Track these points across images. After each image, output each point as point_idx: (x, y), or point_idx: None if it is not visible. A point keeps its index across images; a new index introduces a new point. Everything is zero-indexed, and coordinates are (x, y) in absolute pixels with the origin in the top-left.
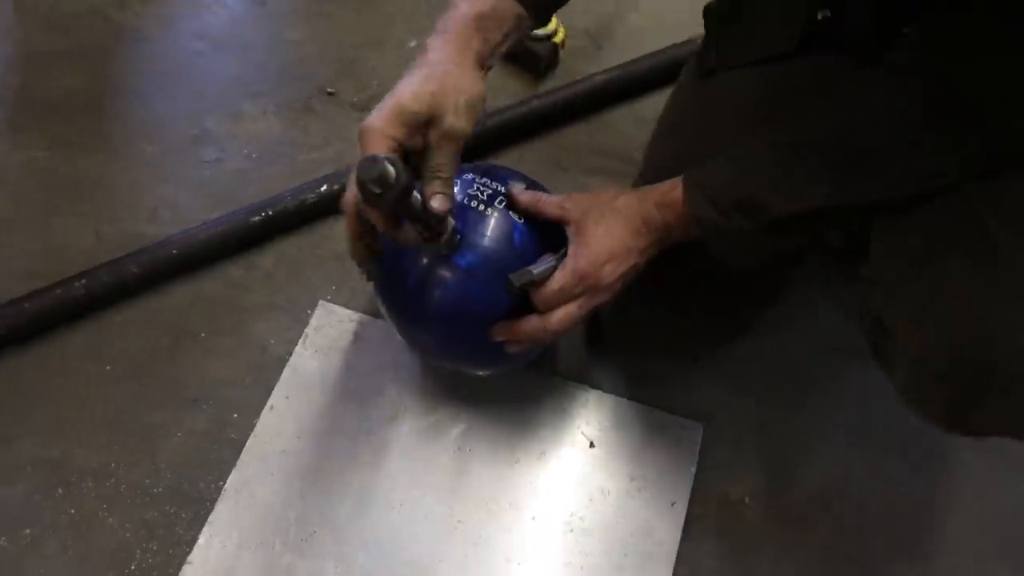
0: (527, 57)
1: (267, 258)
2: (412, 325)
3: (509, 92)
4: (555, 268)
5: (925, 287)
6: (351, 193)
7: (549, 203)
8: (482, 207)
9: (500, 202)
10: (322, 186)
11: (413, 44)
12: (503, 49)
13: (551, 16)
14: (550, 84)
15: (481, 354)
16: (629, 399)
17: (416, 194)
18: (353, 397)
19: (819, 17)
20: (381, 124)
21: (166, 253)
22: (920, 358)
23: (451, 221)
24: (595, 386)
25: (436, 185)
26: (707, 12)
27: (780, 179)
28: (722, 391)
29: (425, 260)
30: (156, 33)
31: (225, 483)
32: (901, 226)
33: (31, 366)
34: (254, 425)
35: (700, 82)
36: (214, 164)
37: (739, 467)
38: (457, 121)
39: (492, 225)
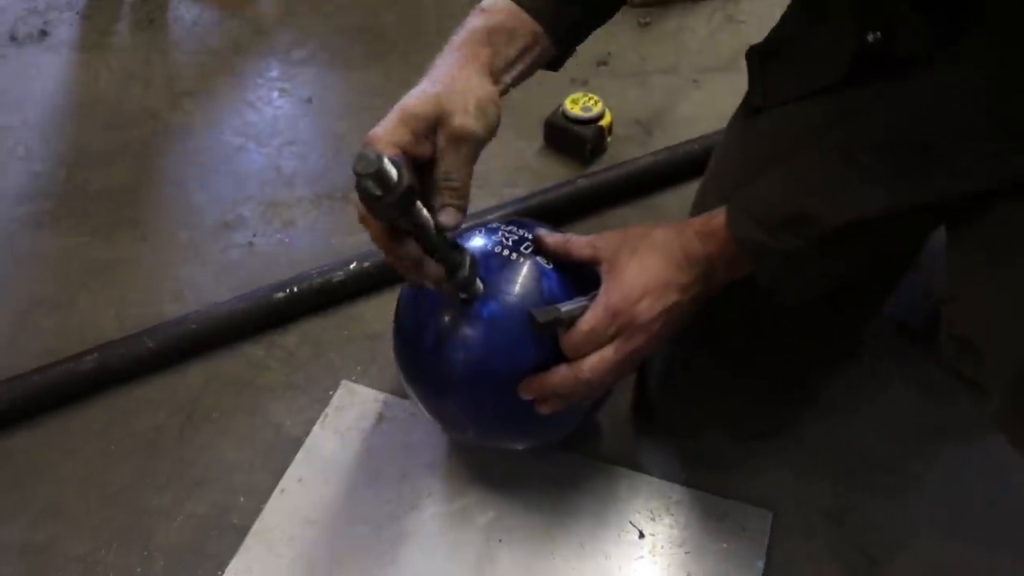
0: (572, 141)
1: (290, 338)
2: (431, 386)
3: (555, 178)
4: (586, 309)
5: (1014, 291)
6: None
7: (579, 244)
8: (507, 252)
9: (527, 247)
10: (351, 264)
11: None
12: (521, 68)
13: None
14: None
15: (508, 420)
16: (684, 484)
17: (425, 212)
18: (372, 481)
19: (869, 39)
20: (384, 132)
21: (184, 329)
22: (1018, 370)
23: (469, 257)
24: (644, 470)
25: (445, 196)
26: (750, 53)
27: (831, 186)
28: (790, 475)
29: (444, 311)
30: (202, 129)
31: (223, 572)
32: (976, 235)
33: (34, 443)
34: (261, 510)
35: (746, 121)
36: (245, 248)
37: (815, 562)
38: (467, 120)
39: (518, 271)
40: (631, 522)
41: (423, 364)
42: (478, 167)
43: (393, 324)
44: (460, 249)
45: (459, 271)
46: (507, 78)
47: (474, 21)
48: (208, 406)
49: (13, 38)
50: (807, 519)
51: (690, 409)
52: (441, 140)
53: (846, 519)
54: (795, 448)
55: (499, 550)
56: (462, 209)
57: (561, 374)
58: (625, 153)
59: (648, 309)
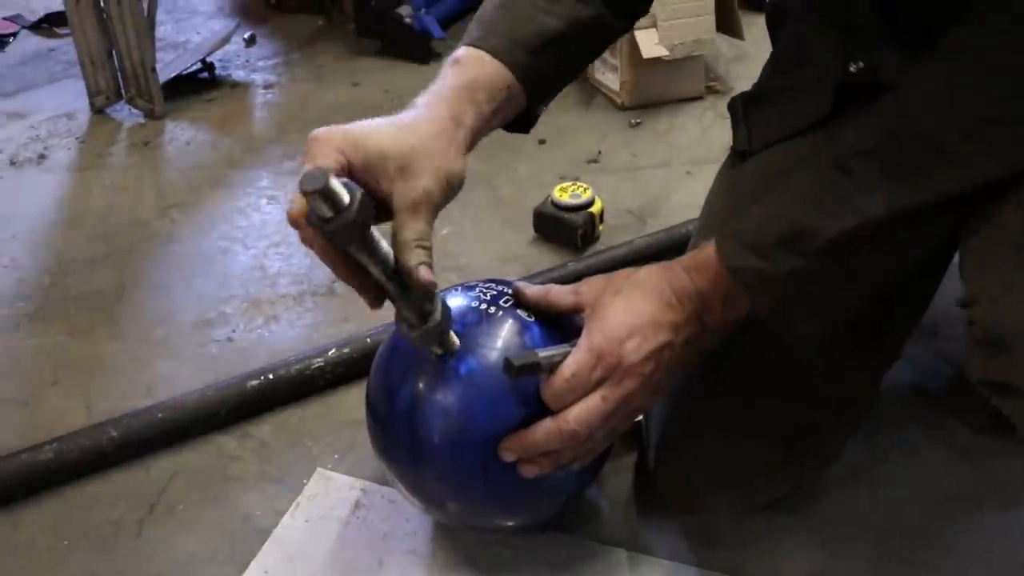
0: (563, 230)
1: (264, 427)
2: (407, 455)
3: (547, 267)
4: (568, 354)
5: None
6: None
7: (561, 292)
8: (484, 306)
9: (506, 301)
10: (330, 350)
11: (445, 232)
12: (494, 124)
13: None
14: None
15: (491, 490)
16: (695, 565)
17: (385, 245)
18: (346, 571)
19: (852, 70)
20: (338, 139)
21: (149, 419)
22: None
23: (441, 305)
24: (649, 551)
25: (422, 254)
26: (732, 102)
27: (827, 197)
28: (815, 550)
29: (418, 371)
30: (189, 236)
31: None
32: (993, 229)
33: None
34: None
35: (733, 168)
36: (223, 343)
37: None
38: (437, 187)
39: (496, 324)
40: None
41: (397, 431)
42: (465, 258)
43: (365, 394)
44: (432, 296)
45: (430, 319)
46: (480, 137)
47: (454, 76)
48: (172, 499)
49: (12, 163)
50: None
51: (696, 476)
52: (406, 197)
53: None
54: (817, 519)
55: None
56: (432, 268)
57: (544, 428)
58: (618, 241)
59: (636, 350)
